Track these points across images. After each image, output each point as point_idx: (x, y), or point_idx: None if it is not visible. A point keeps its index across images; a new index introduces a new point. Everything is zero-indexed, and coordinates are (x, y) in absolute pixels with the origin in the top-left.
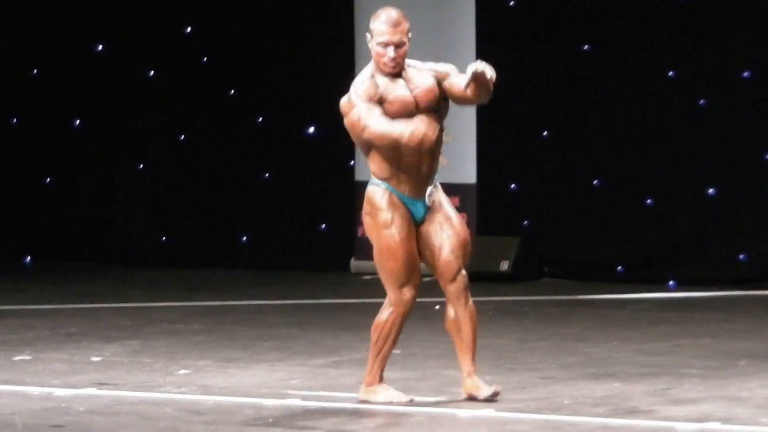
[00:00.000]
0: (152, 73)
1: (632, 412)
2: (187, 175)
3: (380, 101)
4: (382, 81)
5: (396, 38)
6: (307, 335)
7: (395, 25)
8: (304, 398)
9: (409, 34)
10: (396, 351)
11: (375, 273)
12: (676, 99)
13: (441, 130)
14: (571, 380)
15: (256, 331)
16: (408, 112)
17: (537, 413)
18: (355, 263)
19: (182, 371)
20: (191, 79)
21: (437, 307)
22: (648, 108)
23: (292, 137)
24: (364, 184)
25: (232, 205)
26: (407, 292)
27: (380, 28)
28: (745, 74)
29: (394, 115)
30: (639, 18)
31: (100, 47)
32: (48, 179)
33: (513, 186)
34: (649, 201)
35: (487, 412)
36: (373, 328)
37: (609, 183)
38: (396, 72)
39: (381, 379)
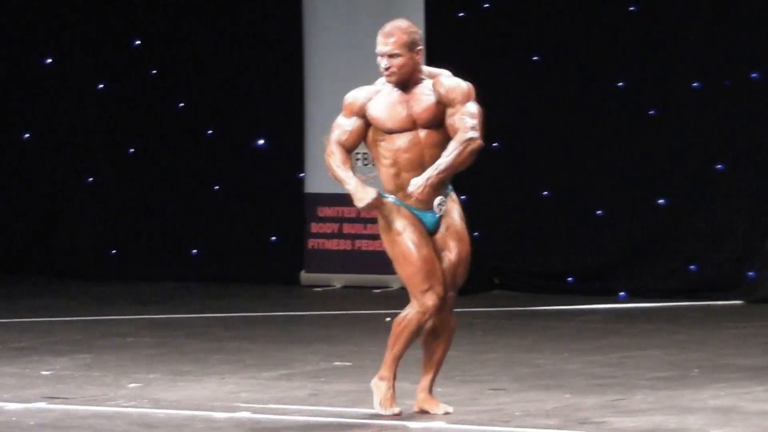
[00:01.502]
0: (101, 85)
1: (583, 424)
2: (137, 188)
3: (364, 113)
4: (388, 89)
5: (387, 49)
6: (257, 348)
7: (387, 36)
8: (254, 411)
9: (418, 47)
10: (347, 363)
11: (325, 285)
12: (626, 109)
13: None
14: (522, 392)
15: (206, 344)
16: (403, 128)
17: (488, 425)
18: (305, 276)
19: (133, 385)
20: (140, 92)
21: (388, 319)
22: (598, 118)
23: (242, 149)
24: (313, 197)
25: (182, 218)
26: (429, 299)
27: (377, 39)
28: (695, 84)
29: (390, 129)
30: (589, 28)
31: (49, 60)
32: None
33: (463, 197)
34: (599, 212)
35: (438, 424)
36: (394, 321)
37: (559, 194)
38: (395, 82)
39: (393, 379)
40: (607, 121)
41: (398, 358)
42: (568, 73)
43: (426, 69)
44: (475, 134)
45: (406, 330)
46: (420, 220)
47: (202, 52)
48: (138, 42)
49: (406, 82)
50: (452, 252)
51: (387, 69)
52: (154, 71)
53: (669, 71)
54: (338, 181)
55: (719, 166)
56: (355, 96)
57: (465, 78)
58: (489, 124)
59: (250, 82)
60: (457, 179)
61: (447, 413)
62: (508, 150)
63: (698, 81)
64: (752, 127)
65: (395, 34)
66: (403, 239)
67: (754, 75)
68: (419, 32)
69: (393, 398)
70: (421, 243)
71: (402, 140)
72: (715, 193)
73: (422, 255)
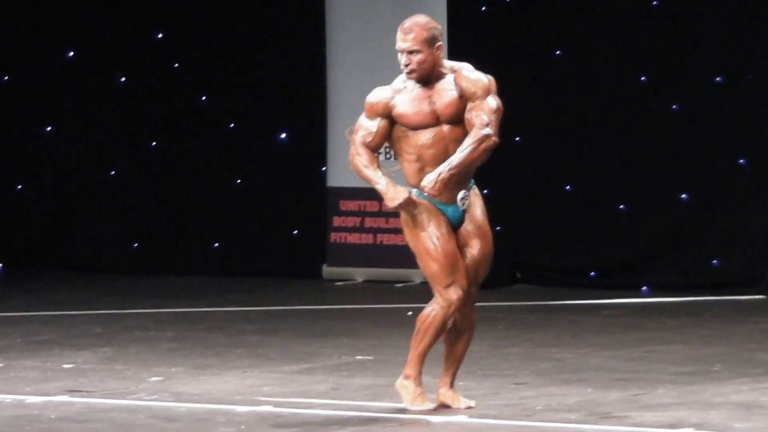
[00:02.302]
0: (123, 79)
1: (605, 418)
2: (159, 182)
3: (388, 112)
4: (410, 86)
5: (405, 45)
6: (279, 342)
7: (406, 32)
8: (276, 405)
9: (438, 43)
10: (368, 357)
11: (347, 279)
12: (648, 104)
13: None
14: (544, 386)
15: (228, 338)
16: (427, 123)
17: (510, 419)
18: (327, 270)
19: (154, 378)
20: (162, 85)
21: (410, 313)
22: (621, 113)
23: (264, 143)
24: (335, 190)
25: (204, 212)
26: (453, 293)
27: (397, 35)
28: (718, 79)
29: (416, 126)
30: (611, 22)
31: (71, 53)
32: (19, 186)
33: (485, 191)
34: (622, 206)
35: (461, 418)
36: (418, 318)
37: (582, 188)
38: (416, 78)
39: (419, 376)
40: (630, 116)
41: (424, 355)
42: (591, 68)
43: (448, 63)
44: (490, 131)
45: (432, 326)
46: (443, 214)
47: (224, 46)
48: (160, 35)
49: (427, 78)
50: (474, 248)
51: (407, 66)
52: (176, 65)
53: (692, 66)
54: (367, 181)
55: (742, 161)
56: (378, 96)
57: (487, 72)
58: (511, 119)
59: (272, 76)
60: (479, 174)
61: (469, 407)
62: (530, 144)
63: (721, 76)
64: None
65: (414, 30)
66: (427, 234)
67: None
68: (439, 27)
69: (423, 395)
70: (445, 238)
71: (426, 136)
72: (737, 187)
73: (445, 250)
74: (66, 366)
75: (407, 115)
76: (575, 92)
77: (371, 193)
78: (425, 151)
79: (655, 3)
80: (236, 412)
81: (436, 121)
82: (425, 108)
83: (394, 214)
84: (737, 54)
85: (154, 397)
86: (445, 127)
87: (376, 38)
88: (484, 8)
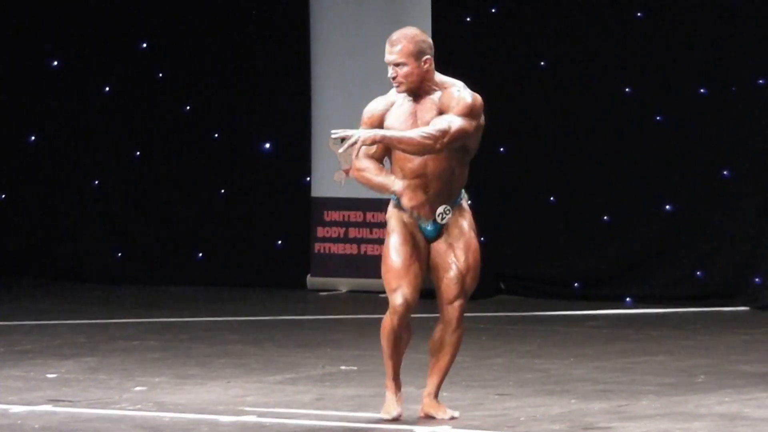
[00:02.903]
0: (107, 88)
1: (589, 429)
2: (143, 191)
3: (381, 124)
4: (401, 100)
5: (392, 58)
6: (263, 352)
7: (393, 44)
8: (260, 415)
9: (425, 57)
10: (352, 367)
11: (331, 290)
12: (632, 115)
13: (458, 156)
14: (527, 397)
15: (212, 348)
16: None
17: (493, 430)
18: (311, 280)
19: (138, 388)
20: (146, 95)
21: None
22: (605, 124)
23: (248, 154)
24: (319, 201)
25: (188, 222)
26: (397, 299)
27: (385, 47)
28: (702, 91)
29: None
30: (596, 34)
31: (56, 63)
32: (2, 195)
33: (469, 202)
34: (605, 217)
35: (444, 429)
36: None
37: (565, 199)
38: (404, 91)
39: (396, 385)
40: (614, 127)
41: (387, 362)
42: (575, 79)
43: (440, 79)
44: (439, 135)
45: (382, 333)
46: (418, 227)
47: (208, 56)
48: (144, 45)
49: (415, 91)
50: (460, 260)
51: (394, 78)
52: (161, 74)
53: (676, 77)
54: (381, 188)
55: (725, 172)
56: (373, 109)
57: (473, 82)
58: (495, 129)
59: (256, 86)
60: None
61: (453, 418)
62: (515, 155)
63: (705, 87)
64: (759, 133)
65: (401, 42)
66: (389, 242)
67: (760, 81)
68: (428, 41)
69: (392, 403)
70: (403, 246)
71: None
72: (721, 199)
73: (399, 257)
74: (49, 375)
75: (392, 129)
76: (559, 103)
77: (355, 204)
78: (406, 164)
79: (639, 14)
80: (220, 422)
81: None
82: (409, 123)
83: (378, 224)
84: (721, 65)
85: (138, 407)
86: None
87: (360, 49)
88: (468, 18)
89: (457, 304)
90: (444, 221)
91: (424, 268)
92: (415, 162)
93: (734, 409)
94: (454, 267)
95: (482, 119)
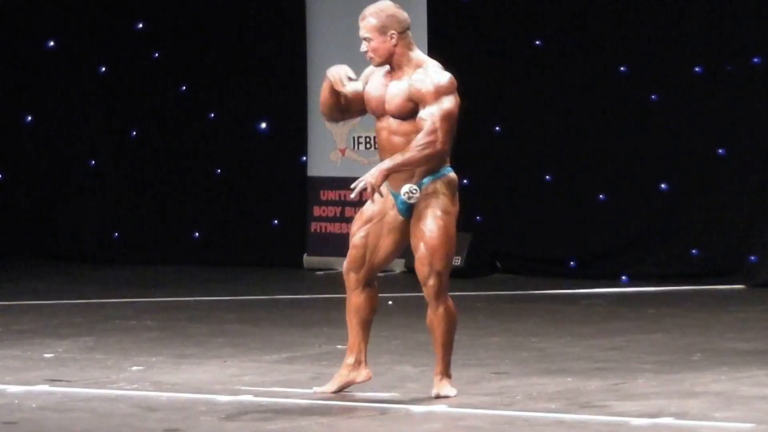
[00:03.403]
0: (104, 69)
1: (586, 407)
2: (139, 172)
3: (364, 85)
4: (372, 71)
5: (361, 33)
6: (260, 331)
7: (361, 19)
8: (257, 394)
9: (391, 32)
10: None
11: (327, 269)
12: (628, 94)
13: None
14: (524, 375)
15: (208, 328)
16: (377, 111)
17: (490, 408)
18: (308, 259)
19: (135, 368)
20: (142, 75)
21: (390, 302)
22: (600, 103)
23: (244, 133)
24: (315, 180)
25: (184, 201)
26: (350, 276)
27: None
28: (697, 69)
29: (372, 110)
30: (591, 13)
31: (51, 43)
32: (0, 176)
33: (465, 182)
34: (601, 196)
35: (441, 407)
36: None
37: (561, 178)
38: (376, 65)
39: (359, 362)
40: (610, 106)
41: (353, 340)
42: (570, 58)
43: (416, 56)
44: (436, 137)
45: (349, 311)
46: (393, 202)
47: (204, 36)
48: (140, 25)
49: (391, 65)
50: (426, 241)
51: (365, 53)
52: (157, 54)
53: (671, 56)
54: (324, 90)
55: (721, 150)
56: (366, 71)
57: (466, 62)
58: (491, 108)
59: (252, 66)
60: (460, 163)
61: (445, 396)
62: (511, 134)
63: (700, 66)
64: (754, 112)
65: (366, 17)
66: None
67: (755, 60)
68: (398, 16)
69: (338, 375)
70: (370, 221)
71: (379, 123)
72: (716, 177)
73: (364, 234)
74: (46, 355)
75: (367, 99)
76: (555, 82)
77: (352, 183)
78: (378, 136)
79: None
80: (217, 401)
81: (383, 111)
82: (379, 97)
83: None
84: (717, 44)
85: (135, 386)
86: (391, 120)
87: (356, 29)
88: None
89: (430, 283)
90: (412, 201)
91: (390, 245)
92: (381, 137)
93: (730, 387)
94: (421, 247)
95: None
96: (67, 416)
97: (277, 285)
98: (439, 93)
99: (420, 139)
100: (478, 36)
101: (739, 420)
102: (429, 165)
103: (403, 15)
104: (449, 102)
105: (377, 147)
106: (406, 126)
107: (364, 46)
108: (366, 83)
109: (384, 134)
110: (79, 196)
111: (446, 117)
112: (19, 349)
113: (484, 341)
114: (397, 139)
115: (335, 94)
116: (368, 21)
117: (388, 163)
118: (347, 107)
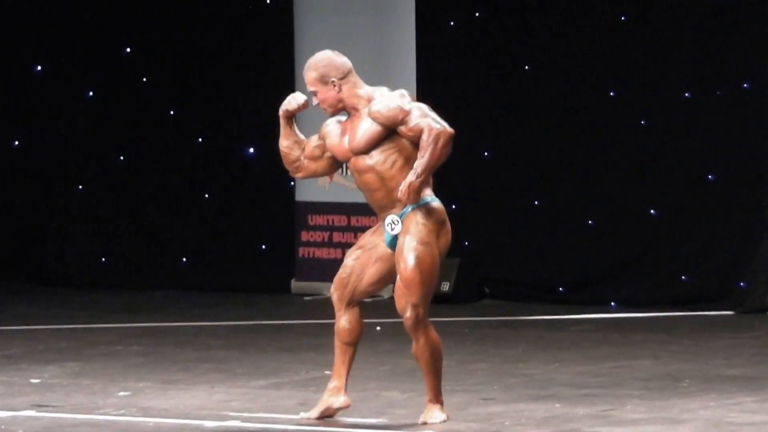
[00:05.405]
0: (91, 93)
1: None
2: (127, 196)
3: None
4: (328, 127)
5: (308, 88)
6: (247, 357)
7: (304, 74)
8: (244, 420)
9: (330, 79)
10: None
11: (315, 294)
12: (617, 119)
13: (404, 162)
14: (512, 401)
15: (196, 353)
16: (345, 158)
17: None
18: (295, 284)
19: (122, 393)
20: (130, 100)
21: (378, 328)
22: (590, 128)
23: (232, 158)
24: (303, 205)
25: (171, 226)
26: (334, 297)
27: None
28: (687, 95)
29: (340, 159)
30: (581, 37)
31: (39, 67)
32: None
33: (453, 207)
34: (590, 221)
35: None
36: None
37: (550, 203)
38: (331, 114)
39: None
40: (599, 131)
41: (337, 366)
42: (560, 83)
43: (365, 93)
44: (439, 126)
45: (336, 337)
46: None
47: (192, 61)
48: (128, 50)
49: (345, 110)
50: (402, 273)
51: (317, 105)
52: (144, 79)
53: (661, 81)
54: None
55: (710, 176)
56: (324, 124)
57: (456, 87)
58: (480, 134)
59: (240, 90)
60: (449, 188)
61: (425, 423)
62: (499, 159)
63: (690, 91)
64: (743, 137)
65: (306, 73)
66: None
67: (745, 85)
68: (334, 63)
69: (321, 401)
70: (361, 253)
71: (355, 166)
72: (706, 203)
73: (353, 264)
74: (33, 381)
75: (333, 151)
76: (544, 107)
77: (340, 208)
78: (357, 180)
79: (623, 18)
80: (204, 427)
81: (351, 154)
82: (343, 140)
83: (363, 229)
84: (706, 70)
85: (122, 411)
86: (366, 157)
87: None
88: (452, 23)
89: (406, 316)
90: (395, 231)
91: (374, 275)
92: (363, 180)
93: (719, 413)
94: (398, 279)
95: None
96: None
97: (265, 310)
98: (404, 102)
99: (426, 138)
100: (466, 60)
101: None
102: (449, 152)
103: (341, 60)
104: (415, 103)
105: (363, 190)
106: (379, 154)
107: (314, 101)
108: (324, 140)
109: (365, 174)
110: (67, 220)
111: (426, 110)
112: (5, 375)
113: (472, 367)
114: (380, 168)
115: (288, 127)
116: (309, 75)
117: (416, 170)
118: (312, 155)
